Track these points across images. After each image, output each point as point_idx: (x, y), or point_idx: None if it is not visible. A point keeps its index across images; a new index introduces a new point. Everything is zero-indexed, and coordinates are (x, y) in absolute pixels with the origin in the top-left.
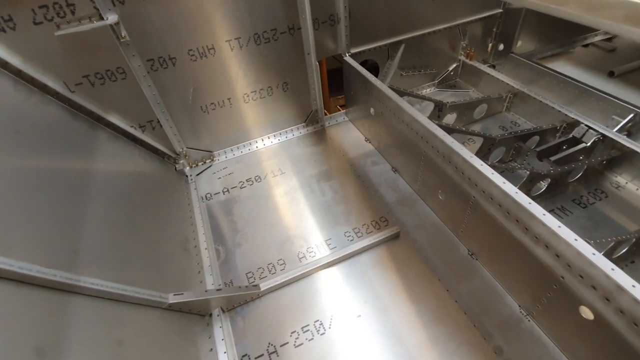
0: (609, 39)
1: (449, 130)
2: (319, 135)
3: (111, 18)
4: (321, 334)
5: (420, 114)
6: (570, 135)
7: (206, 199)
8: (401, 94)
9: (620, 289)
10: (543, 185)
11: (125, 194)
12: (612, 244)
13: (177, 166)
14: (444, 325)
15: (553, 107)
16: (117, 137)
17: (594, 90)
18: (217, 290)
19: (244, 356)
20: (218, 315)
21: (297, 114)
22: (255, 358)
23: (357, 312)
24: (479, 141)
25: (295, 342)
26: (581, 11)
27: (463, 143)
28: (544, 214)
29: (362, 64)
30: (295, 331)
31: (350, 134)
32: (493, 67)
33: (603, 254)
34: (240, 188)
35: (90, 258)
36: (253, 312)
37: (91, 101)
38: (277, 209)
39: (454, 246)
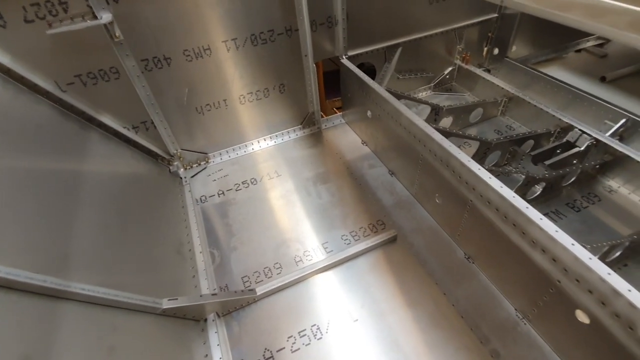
0: (601, 45)
1: (446, 133)
2: (316, 138)
3: (105, 17)
4: (318, 339)
5: (418, 118)
6: (565, 140)
7: (201, 201)
8: (398, 97)
9: (616, 293)
10: (538, 189)
11: (118, 196)
12: (606, 248)
13: (171, 168)
14: (442, 330)
15: (547, 112)
16: (110, 137)
17: (587, 95)
18: (213, 294)
19: None
20: (213, 321)
21: (293, 116)
22: None
23: (354, 316)
24: (475, 145)
25: (292, 347)
26: (585, 18)
27: (459, 147)
28: (540, 219)
29: (359, 67)
30: (292, 336)
31: (347, 137)
32: (488, 71)
33: (597, 258)
34: (236, 190)
35: (81, 262)
36: (249, 317)
37: (83, 101)
38: (273, 212)
39: (451, 250)
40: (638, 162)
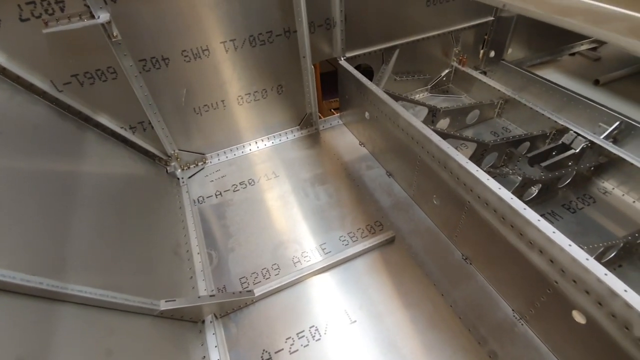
0: (594, 49)
1: (443, 135)
2: (313, 139)
3: (103, 17)
4: (317, 340)
5: (415, 119)
6: (560, 142)
7: (198, 202)
8: (396, 98)
9: (612, 293)
10: (534, 190)
11: (115, 196)
12: (601, 249)
13: (168, 168)
14: (439, 331)
15: (543, 114)
16: (107, 138)
17: (582, 98)
18: (210, 296)
19: None
20: (211, 322)
21: (291, 117)
22: None
23: (352, 317)
24: (471, 147)
25: (290, 348)
26: (586, 23)
27: (456, 148)
28: (538, 220)
29: (356, 68)
30: (290, 337)
31: (345, 138)
32: (484, 73)
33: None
34: (233, 191)
35: (77, 264)
36: (247, 318)
37: (80, 101)
38: (271, 213)
39: (448, 251)
40: (632, 164)
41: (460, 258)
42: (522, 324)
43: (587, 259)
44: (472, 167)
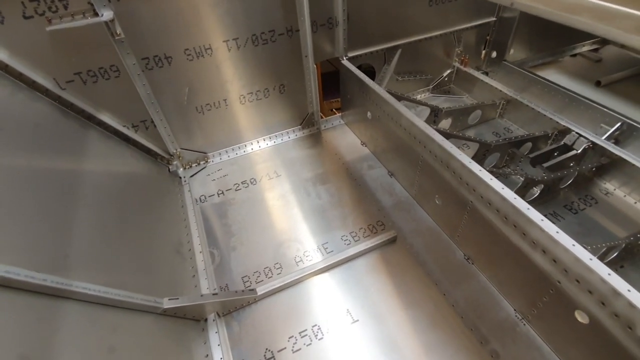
0: (596, 50)
1: (446, 135)
2: (315, 138)
3: (106, 15)
4: (319, 339)
5: (418, 119)
6: (562, 143)
7: (200, 201)
8: (399, 98)
9: (616, 293)
10: (536, 191)
11: (117, 195)
12: (603, 249)
13: (170, 167)
14: (441, 331)
15: (545, 115)
16: (109, 136)
17: (583, 99)
18: (213, 294)
19: None
20: (214, 320)
21: (293, 117)
22: None
23: (354, 317)
24: (473, 147)
25: (293, 347)
26: (594, 20)
27: (458, 148)
28: (542, 220)
29: (357, 68)
30: (292, 336)
31: (346, 138)
32: (486, 74)
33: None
34: (235, 190)
35: (80, 262)
36: (249, 317)
37: (83, 99)
38: (273, 212)
39: (450, 251)
40: (634, 165)
41: (462, 258)
42: (524, 324)
43: (590, 259)
44: (475, 167)
